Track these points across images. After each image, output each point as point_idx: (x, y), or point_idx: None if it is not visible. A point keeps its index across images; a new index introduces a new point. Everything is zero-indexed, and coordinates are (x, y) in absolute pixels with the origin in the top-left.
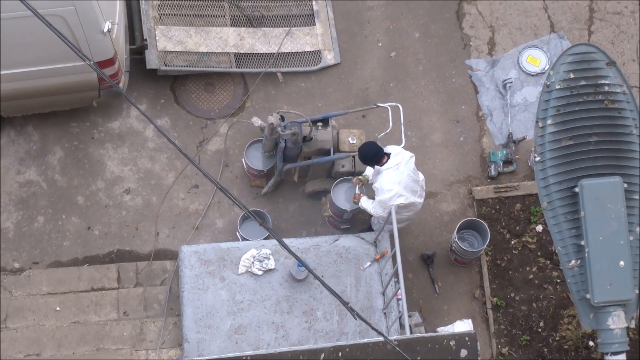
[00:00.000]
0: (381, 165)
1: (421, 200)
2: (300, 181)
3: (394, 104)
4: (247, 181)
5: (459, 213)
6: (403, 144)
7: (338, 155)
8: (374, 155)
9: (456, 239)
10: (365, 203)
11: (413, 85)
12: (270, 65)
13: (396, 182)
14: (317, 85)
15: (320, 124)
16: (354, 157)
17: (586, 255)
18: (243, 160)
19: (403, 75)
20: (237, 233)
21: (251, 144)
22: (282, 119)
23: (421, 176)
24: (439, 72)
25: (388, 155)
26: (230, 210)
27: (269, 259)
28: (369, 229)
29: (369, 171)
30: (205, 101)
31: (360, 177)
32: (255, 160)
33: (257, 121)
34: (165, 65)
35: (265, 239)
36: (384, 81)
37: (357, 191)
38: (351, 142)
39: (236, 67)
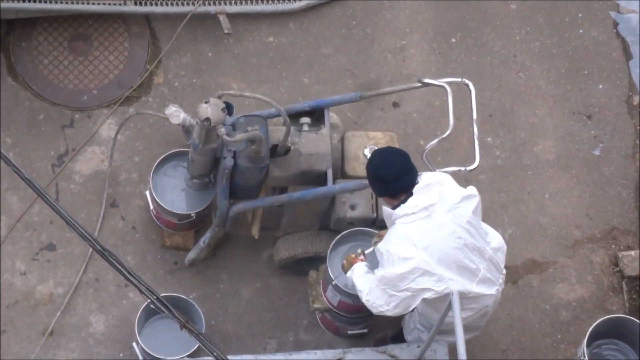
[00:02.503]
0: (394, 206)
1: (492, 290)
2: (264, 238)
3: (459, 79)
4: (157, 236)
5: (591, 305)
6: (477, 163)
7: (343, 186)
8: (395, 177)
9: (586, 359)
10: (358, 277)
11: (498, 40)
12: (204, 0)
13: (421, 246)
14: (300, 40)
15: (306, 121)
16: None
17: None
18: (147, 194)
19: (478, 21)
20: (135, 345)
21: (164, 162)
22: (228, 109)
23: (494, 238)
24: (552, 15)
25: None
26: (122, 295)
27: None
28: (400, 335)
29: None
30: (72, 72)
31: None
32: (173, 194)
33: (176, 113)
34: None
35: (190, 356)
36: (438, 33)
37: (359, 251)
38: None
39: (135, 3)
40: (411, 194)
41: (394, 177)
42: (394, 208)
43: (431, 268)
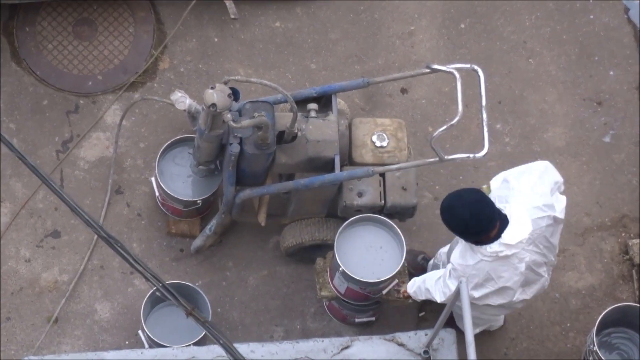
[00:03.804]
0: (480, 242)
1: (537, 286)
2: (271, 225)
3: (467, 66)
4: (162, 223)
5: (600, 293)
6: (486, 150)
7: (350, 173)
8: (483, 225)
9: (596, 348)
10: (421, 287)
11: (508, 26)
12: None
13: (498, 282)
14: (307, 25)
15: (313, 107)
16: (382, 177)
17: None
18: (153, 180)
19: (487, 7)
20: (140, 332)
21: (170, 148)
22: (235, 95)
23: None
24: (562, 0)
25: (503, 220)
26: (127, 282)
27: None
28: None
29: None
30: (76, 57)
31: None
32: (179, 181)
33: (181, 99)
34: None
35: (196, 344)
36: (446, 18)
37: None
38: (378, 144)
39: None
40: (504, 226)
41: (480, 224)
42: (478, 242)
43: (498, 294)
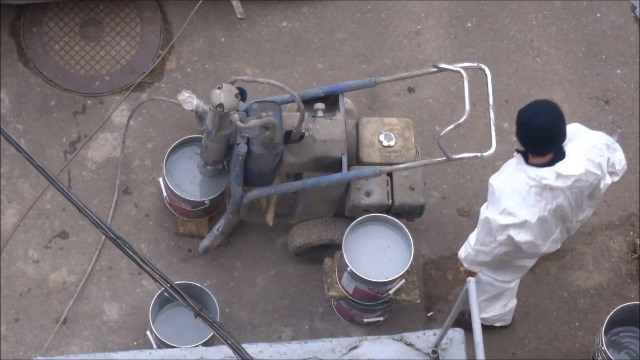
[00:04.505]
0: (535, 164)
1: (553, 248)
2: (278, 225)
3: (474, 64)
4: (170, 223)
5: (609, 292)
6: (493, 149)
7: (357, 173)
8: (557, 136)
9: (604, 346)
10: (467, 246)
11: (514, 25)
12: None
13: (533, 209)
14: (314, 25)
15: (321, 106)
16: (390, 177)
17: None
18: (161, 181)
19: (494, 6)
20: (148, 333)
21: (177, 148)
22: (242, 95)
23: (585, 211)
24: (569, 0)
25: (559, 152)
26: (136, 283)
27: None
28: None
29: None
30: (83, 58)
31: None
32: (187, 181)
33: (189, 99)
34: None
35: (204, 344)
36: (453, 17)
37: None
38: (385, 143)
39: None
40: (559, 157)
41: (557, 139)
42: (531, 164)
43: (529, 228)
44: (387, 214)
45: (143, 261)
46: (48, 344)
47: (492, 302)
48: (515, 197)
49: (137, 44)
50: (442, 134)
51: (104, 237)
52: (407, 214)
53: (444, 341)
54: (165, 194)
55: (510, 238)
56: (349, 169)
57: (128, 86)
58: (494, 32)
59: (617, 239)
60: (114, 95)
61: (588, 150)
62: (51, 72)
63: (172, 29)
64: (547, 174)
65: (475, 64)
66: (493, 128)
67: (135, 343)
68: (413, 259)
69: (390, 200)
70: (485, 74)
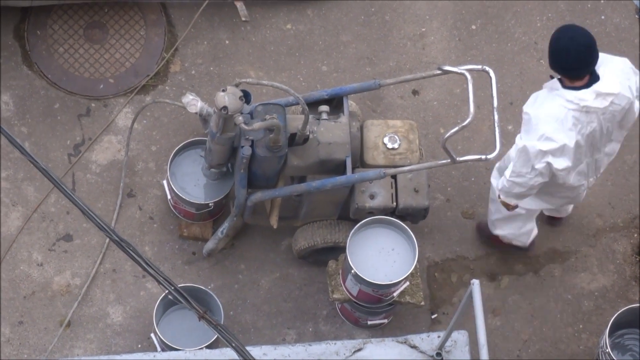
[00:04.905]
0: (569, 86)
1: (580, 183)
2: (283, 228)
3: (479, 67)
4: (174, 226)
5: (613, 294)
6: (498, 151)
7: (362, 175)
8: (593, 58)
9: (608, 348)
10: (503, 180)
11: (519, 27)
12: None
13: (570, 133)
14: (318, 27)
15: (325, 109)
16: (394, 179)
17: None
18: (165, 183)
19: (498, 8)
20: (153, 336)
21: (182, 151)
22: (246, 97)
23: (612, 144)
24: (573, 1)
25: (594, 75)
26: (140, 286)
27: None
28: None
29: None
30: (87, 61)
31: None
32: (191, 183)
33: (193, 102)
34: None
35: (208, 347)
36: (457, 20)
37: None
38: (390, 146)
39: None
40: (594, 79)
41: (594, 58)
42: (566, 87)
43: (567, 154)
44: (392, 217)
45: (147, 264)
46: (52, 347)
47: (505, 222)
48: (553, 123)
49: (142, 46)
50: (446, 136)
51: (108, 239)
52: (412, 216)
53: (448, 343)
54: (169, 197)
55: (548, 166)
56: (353, 172)
57: (132, 89)
58: (498, 35)
59: (621, 241)
60: (118, 97)
61: (618, 73)
62: (55, 74)
63: (176, 32)
64: (585, 95)
65: (480, 67)
66: (497, 130)
67: (139, 346)
68: (417, 261)
69: (395, 203)
70: (490, 76)
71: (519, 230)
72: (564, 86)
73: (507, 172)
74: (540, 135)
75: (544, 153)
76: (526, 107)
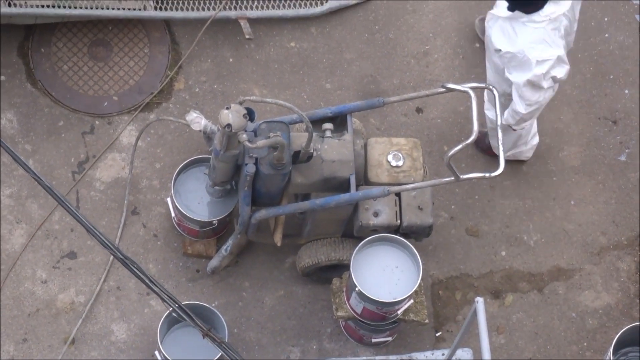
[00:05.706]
0: (529, 10)
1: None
2: (287, 245)
3: (482, 85)
4: (178, 244)
5: (617, 312)
6: (501, 169)
7: (366, 193)
8: None
9: None
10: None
11: None
12: (225, 5)
13: (561, 43)
14: (322, 45)
15: (329, 127)
16: (398, 197)
17: None
18: (169, 201)
19: None
20: (157, 353)
21: (186, 169)
22: (250, 115)
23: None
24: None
25: None
26: (144, 303)
27: None
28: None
29: None
30: (91, 78)
31: None
32: (195, 201)
33: (197, 120)
34: (10, 5)
35: None
36: (461, 38)
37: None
38: (394, 163)
39: (155, 9)
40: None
41: None
42: (527, 11)
43: (563, 60)
44: (396, 234)
45: (151, 281)
46: None
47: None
48: (539, 45)
49: (146, 64)
50: (450, 154)
51: (112, 257)
52: (416, 234)
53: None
54: (173, 214)
55: (553, 79)
56: (357, 189)
57: (136, 106)
58: None
59: (625, 259)
60: (122, 115)
61: None
62: (59, 92)
63: (180, 50)
64: (550, 9)
65: (484, 84)
66: (501, 148)
67: None
68: (421, 279)
69: (399, 221)
70: (494, 94)
71: (526, 146)
72: (528, 12)
73: (519, 107)
74: (535, 62)
75: (546, 72)
76: (501, 47)
